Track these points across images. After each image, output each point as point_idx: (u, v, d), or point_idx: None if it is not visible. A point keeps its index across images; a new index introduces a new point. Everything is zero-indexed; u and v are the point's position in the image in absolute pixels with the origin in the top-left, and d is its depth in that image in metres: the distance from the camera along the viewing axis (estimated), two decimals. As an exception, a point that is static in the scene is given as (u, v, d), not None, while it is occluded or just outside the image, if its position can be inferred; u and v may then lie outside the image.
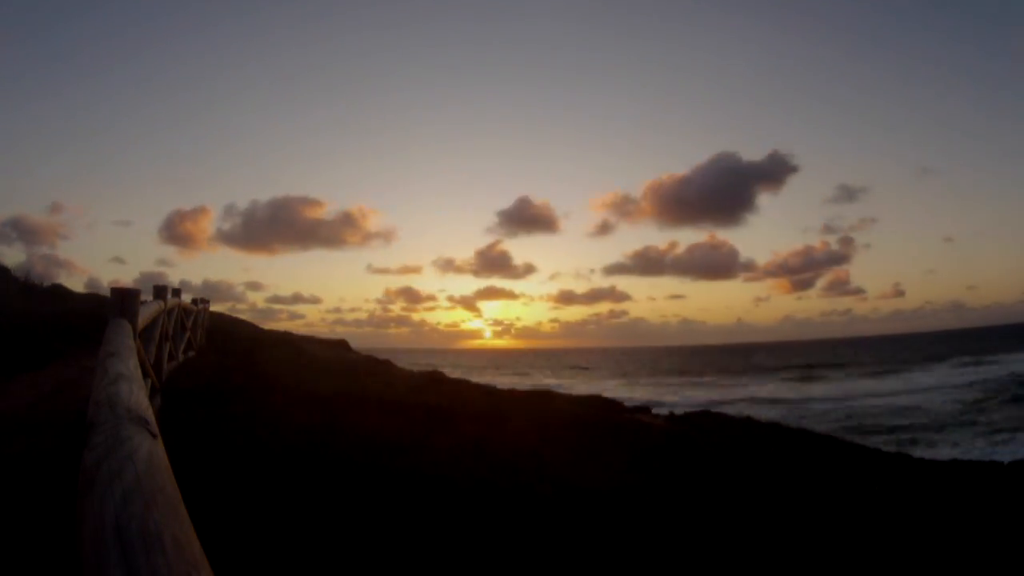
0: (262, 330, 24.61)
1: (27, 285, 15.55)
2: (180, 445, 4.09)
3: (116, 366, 2.01)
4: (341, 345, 24.37)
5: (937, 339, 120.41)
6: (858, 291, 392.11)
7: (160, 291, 6.49)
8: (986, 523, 6.58)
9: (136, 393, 1.64)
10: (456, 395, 11.43)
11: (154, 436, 1.27)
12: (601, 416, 11.10)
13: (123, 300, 3.78)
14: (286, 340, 21.21)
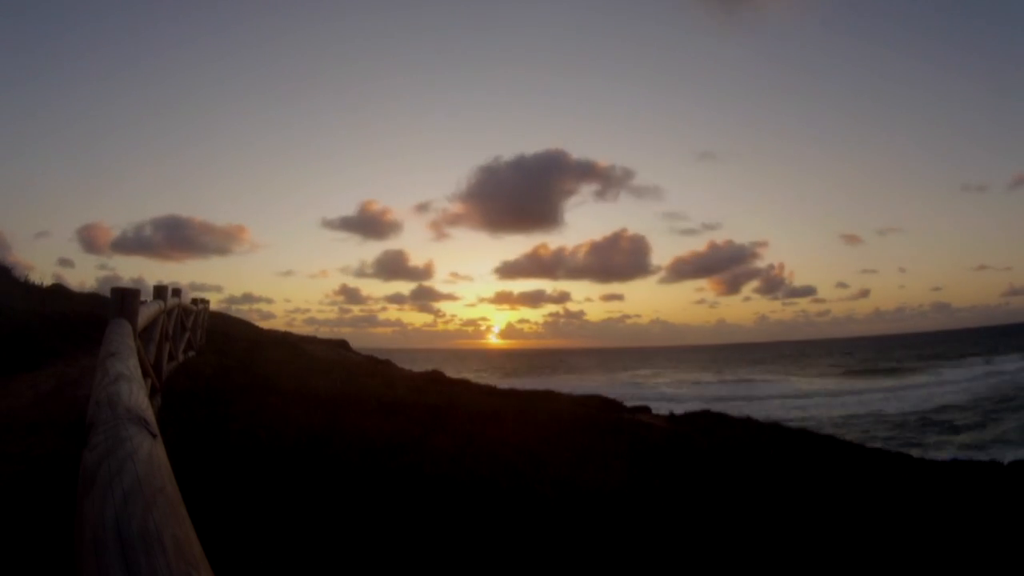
0: (261, 330, 24.68)
1: (27, 285, 15.55)
2: (180, 445, 4.09)
3: (116, 366, 2.01)
4: (341, 345, 24.37)
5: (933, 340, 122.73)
6: (807, 291, 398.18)
7: (160, 291, 6.49)
8: (986, 523, 6.58)
9: (136, 393, 1.64)
10: (456, 395, 11.43)
11: (154, 436, 1.27)
12: (601, 416, 11.10)
13: (123, 300, 3.78)
14: (285, 340, 21.23)
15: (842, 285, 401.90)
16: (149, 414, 1.46)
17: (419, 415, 7.69)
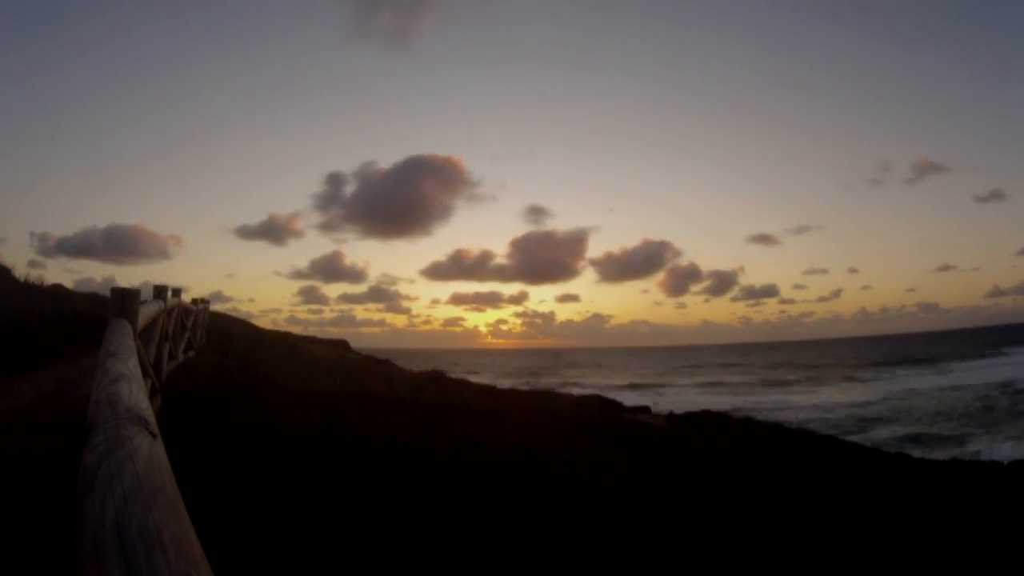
0: (262, 330, 24.70)
1: (27, 285, 15.55)
2: (180, 445, 4.09)
3: (116, 366, 2.01)
4: (341, 345, 24.41)
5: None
6: (769, 292, 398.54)
7: (160, 291, 6.49)
8: (986, 523, 6.58)
9: (136, 393, 1.65)
10: (456, 395, 11.42)
11: (154, 436, 1.27)
12: (601, 416, 11.09)
13: (123, 300, 3.79)
14: (286, 340, 21.23)
15: (799, 287, 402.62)
16: (149, 414, 1.46)
17: (419, 415, 7.69)
